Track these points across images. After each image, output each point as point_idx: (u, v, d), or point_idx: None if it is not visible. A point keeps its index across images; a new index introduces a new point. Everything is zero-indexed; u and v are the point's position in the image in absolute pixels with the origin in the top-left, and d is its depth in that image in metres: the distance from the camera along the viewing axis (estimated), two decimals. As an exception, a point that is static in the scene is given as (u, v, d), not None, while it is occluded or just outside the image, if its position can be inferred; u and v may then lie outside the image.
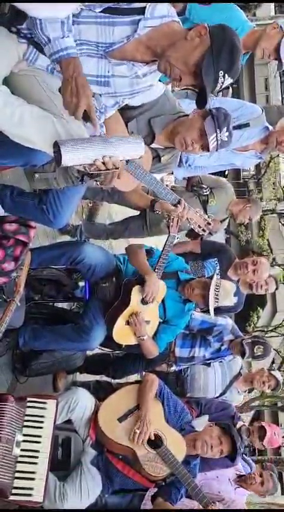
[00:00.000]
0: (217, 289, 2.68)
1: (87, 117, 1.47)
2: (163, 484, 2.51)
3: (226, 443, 2.59)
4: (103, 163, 1.52)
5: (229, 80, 1.56)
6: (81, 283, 2.90)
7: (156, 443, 2.46)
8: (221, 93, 3.24)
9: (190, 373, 3.29)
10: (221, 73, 1.53)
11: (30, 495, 1.94)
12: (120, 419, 2.47)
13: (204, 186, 3.35)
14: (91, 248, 2.69)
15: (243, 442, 3.00)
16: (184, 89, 3.06)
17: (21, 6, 1.43)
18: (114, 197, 3.50)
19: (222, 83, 1.55)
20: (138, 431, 2.39)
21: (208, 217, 2.56)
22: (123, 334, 2.62)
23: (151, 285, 2.52)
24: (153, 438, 2.45)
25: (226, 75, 1.54)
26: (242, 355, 3.16)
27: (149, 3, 1.52)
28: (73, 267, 2.69)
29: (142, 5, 1.52)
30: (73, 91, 1.43)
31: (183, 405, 2.70)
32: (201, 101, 1.61)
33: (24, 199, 2.26)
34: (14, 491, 1.88)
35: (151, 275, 2.53)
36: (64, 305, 3.29)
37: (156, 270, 2.56)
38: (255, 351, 3.16)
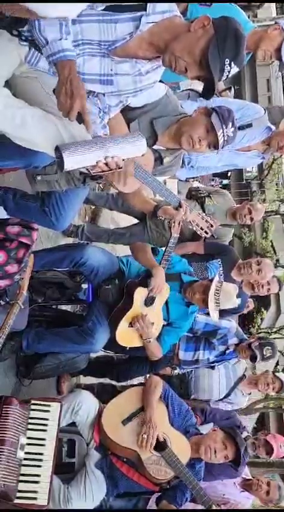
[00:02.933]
0: (217, 293, 2.66)
1: (80, 119, 1.47)
2: (168, 487, 2.49)
3: (231, 448, 2.56)
4: (106, 164, 1.51)
5: (235, 69, 1.55)
6: (84, 286, 2.90)
7: (160, 446, 2.45)
8: (219, 94, 3.24)
9: (194, 375, 3.28)
10: (227, 61, 1.53)
11: (34, 498, 1.93)
12: (124, 422, 2.46)
13: (201, 190, 3.39)
14: (94, 250, 2.69)
15: (248, 453, 2.97)
16: (186, 90, 3.07)
17: (30, 6, 1.42)
18: (118, 203, 3.51)
19: (228, 71, 1.55)
20: (145, 436, 2.38)
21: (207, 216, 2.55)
22: (126, 336, 2.61)
23: (157, 278, 2.50)
24: (161, 440, 2.43)
25: (232, 63, 1.54)
26: (254, 359, 3.14)
27: None
28: (76, 269, 2.69)
29: None
30: (67, 92, 1.42)
31: (187, 407, 2.69)
32: (208, 92, 1.60)
33: (27, 202, 2.26)
34: (18, 494, 1.88)
35: (158, 268, 2.52)
36: (67, 307, 3.29)
37: None
38: (264, 352, 3.15)
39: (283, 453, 3.22)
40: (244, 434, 3.14)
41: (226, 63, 1.53)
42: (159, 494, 2.53)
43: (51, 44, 1.42)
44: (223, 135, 2.24)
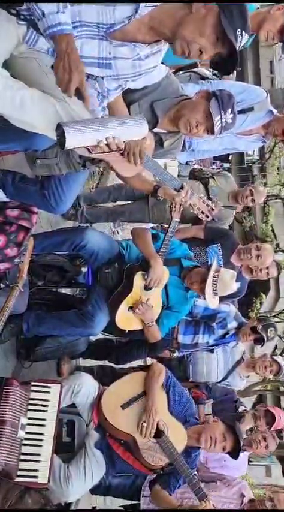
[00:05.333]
0: (215, 283, 2.67)
1: (80, 95, 1.45)
2: (162, 473, 2.52)
3: (230, 440, 2.59)
4: (107, 144, 1.50)
5: (245, 38, 1.54)
6: (84, 269, 2.90)
7: (157, 432, 2.47)
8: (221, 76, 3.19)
9: (192, 358, 3.30)
10: (238, 31, 1.52)
11: (35, 477, 1.98)
12: (124, 406, 2.49)
13: (204, 171, 3.37)
14: (94, 234, 2.69)
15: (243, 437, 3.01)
16: (187, 72, 3.02)
17: None
18: (122, 192, 3.50)
19: (241, 41, 1.54)
20: (145, 424, 2.40)
21: (212, 201, 2.53)
22: (126, 320, 2.63)
23: (155, 270, 2.51)
24: (160, 428, 2.45)
25: (243, 32, 1.52)
26: (261, 341, 3.16)
27: None
28: (76, 252, 2.69)
29: None
30: (65, 67, 1.40)
31: (188, 396, 2.71)
32: (230, 65, 1.58)
33: (26, 185, 2.24)
34: (19, 473, 1.92)
35: (156, 260, 2.52)
36: (67, 291, 3.30)
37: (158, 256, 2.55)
38: (269, 333, 3.18)
39: (282, 424, 3.26)
40: (242, 408, 3.19)
41: (238, 33, 1.52)
42: (153, 478, 2.57)
43: (48, 17, 1.39)
44: (221, 121, 2.20)
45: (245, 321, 3.40)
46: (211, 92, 2.27)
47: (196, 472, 2.62)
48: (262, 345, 3.24)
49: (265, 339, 3.15)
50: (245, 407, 3.37)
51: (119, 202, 3.79)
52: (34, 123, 1.58)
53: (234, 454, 2.63)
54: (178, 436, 2.50)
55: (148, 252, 2.56)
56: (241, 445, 2.61)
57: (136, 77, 1.70)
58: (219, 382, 3.32)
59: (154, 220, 3.40)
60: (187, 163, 3.62)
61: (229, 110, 2.22)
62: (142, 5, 1.50)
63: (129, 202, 3.59)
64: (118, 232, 4.65)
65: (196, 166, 4.07)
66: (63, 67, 1.40)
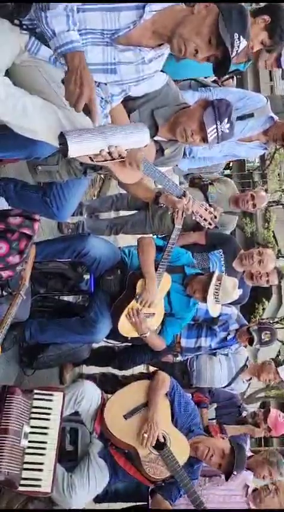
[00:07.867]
0: (217, 292, 2.66)
1: (87, 111, 1.45)
2: (163, 484, 2.48)
3: (227, 461, 2.52)
4: (109, 153, 1.51)
5: (244, 43, 1.56)
6: (86, 276, 2.90)
7: (159, 444, 2.43)
8: (222, 83, 3.21)
9: (196, 368, 3.28)
10: (236, 35, 1.54)
11: (38, 486, 1.97)
12: (126, 416, 2.46)
13: (203, 177, 3.39)
14: (96, 241, 2.69)
15: (245, 454, 2.93)
16: (187, 80, 3.04)
17: None
18: (124, 201, 3.51)
19: (238, 46, 1.55)
20: (146, 435, 2.36)
21: (210, 205, 2.53)
22: (128, 327, 2.62)
23: (148, 292, 2.48)
24: (161, 439, 2.42)
25: (240, 37, 1.54)
26: (251, 342, 3.14)
27: None
28: (78, 260, 2.69)
29: None
30: (77, 82, 1.42)
31: (193, 406, 2.67)
32: (223, 68, 1.60)
33: (28, 193, 2.25)
34: (22, 482, 1.91)
35: (151, 280, 2.48)
36: (69, 298, 3.30)
37: (160, 264, 2.53)
38: (262, 336, 3.14)
39: (282, 425, 3.21)
40: (244, 413, 3.17)
41: (235, 37, 1.54)
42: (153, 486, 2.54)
43: (59, 36, 1.41)
44: (217, 131, 2.18)
45: (246, 323, 3.38)
46: (210, 101, 2.26)
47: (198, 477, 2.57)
48: (252, 345, 3.19)
49: (255, 340, 3.11)
50: (248, 412, 3.35)
51: (121, 212, 3.80)
52: (36, 130, 1.60)
53: (226, 475, 2.55)
54: (180, 448, 2.46)
55: (147, 270, 2.52)
56: (234, 468, 2.51)
57: (139, 81, 1.72)
58: (223, 388, 3.31)
59: (155, 230, 3.41)
60: (187, 173, 3.64)
61: (226, 120, 2.19)
62: (146, 9, 1.52)
63: (131, 213, 3.60)
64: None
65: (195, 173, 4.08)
66: (75, 82, 1.41)
